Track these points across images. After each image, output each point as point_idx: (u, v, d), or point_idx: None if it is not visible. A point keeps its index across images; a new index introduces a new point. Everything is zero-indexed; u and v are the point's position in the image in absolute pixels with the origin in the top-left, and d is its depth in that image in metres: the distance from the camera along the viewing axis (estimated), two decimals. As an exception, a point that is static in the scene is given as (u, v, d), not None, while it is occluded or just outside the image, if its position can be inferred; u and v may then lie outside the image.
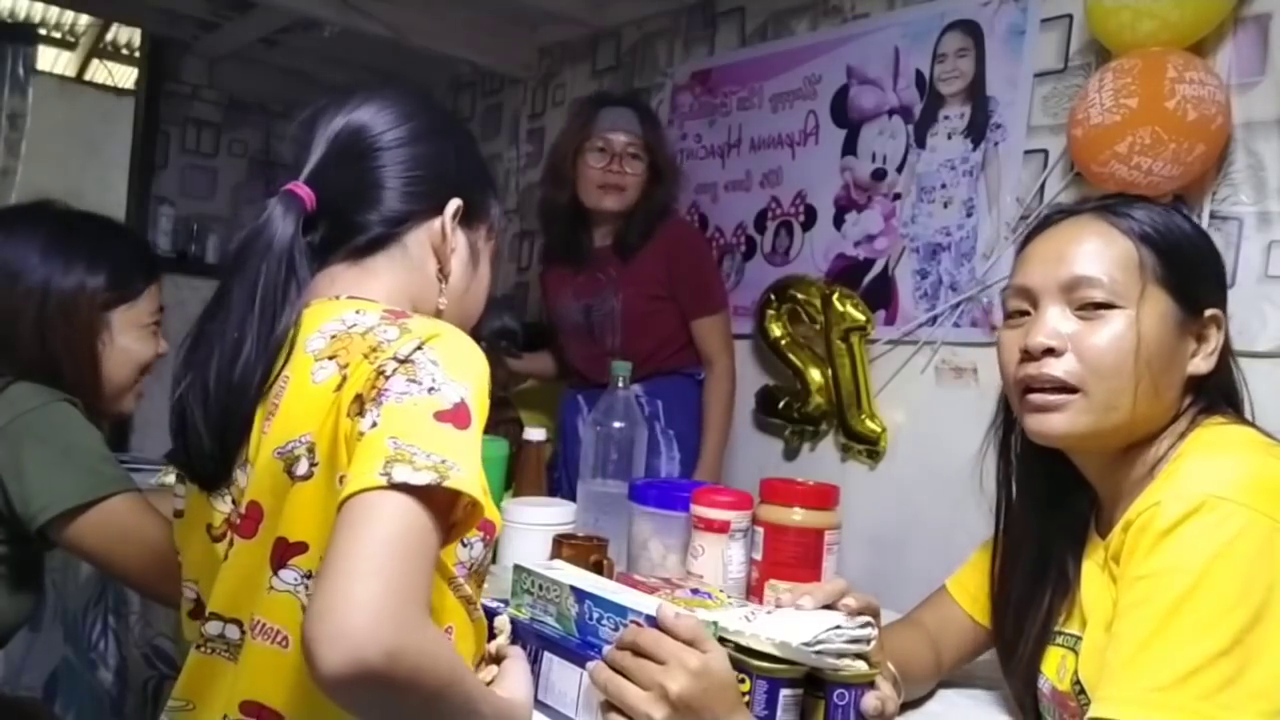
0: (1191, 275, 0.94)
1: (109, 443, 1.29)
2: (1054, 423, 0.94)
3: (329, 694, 0.69)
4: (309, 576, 0.80)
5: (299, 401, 0.83)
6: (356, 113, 0.95)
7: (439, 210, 0.97)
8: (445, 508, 0.75)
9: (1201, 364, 0.95)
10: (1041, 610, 1.02)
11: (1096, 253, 0.94)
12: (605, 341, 2.27)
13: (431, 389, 0.77)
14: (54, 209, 1.37)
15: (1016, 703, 1.08)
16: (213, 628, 0.87)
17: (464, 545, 0.85)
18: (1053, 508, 1.03)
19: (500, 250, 1.10)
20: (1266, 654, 0.77)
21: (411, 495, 0.72)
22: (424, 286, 0.97)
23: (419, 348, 0.80)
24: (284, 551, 0.81)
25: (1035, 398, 0.95)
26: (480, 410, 0.80)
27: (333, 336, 0.85)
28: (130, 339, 1.35)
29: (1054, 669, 0.99)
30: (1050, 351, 0.93)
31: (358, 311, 0.87)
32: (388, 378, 0.78)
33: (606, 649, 0.90)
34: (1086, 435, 0.94)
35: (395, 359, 0.79)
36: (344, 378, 0.82)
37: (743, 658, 0.94)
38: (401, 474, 0.71)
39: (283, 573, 0.81)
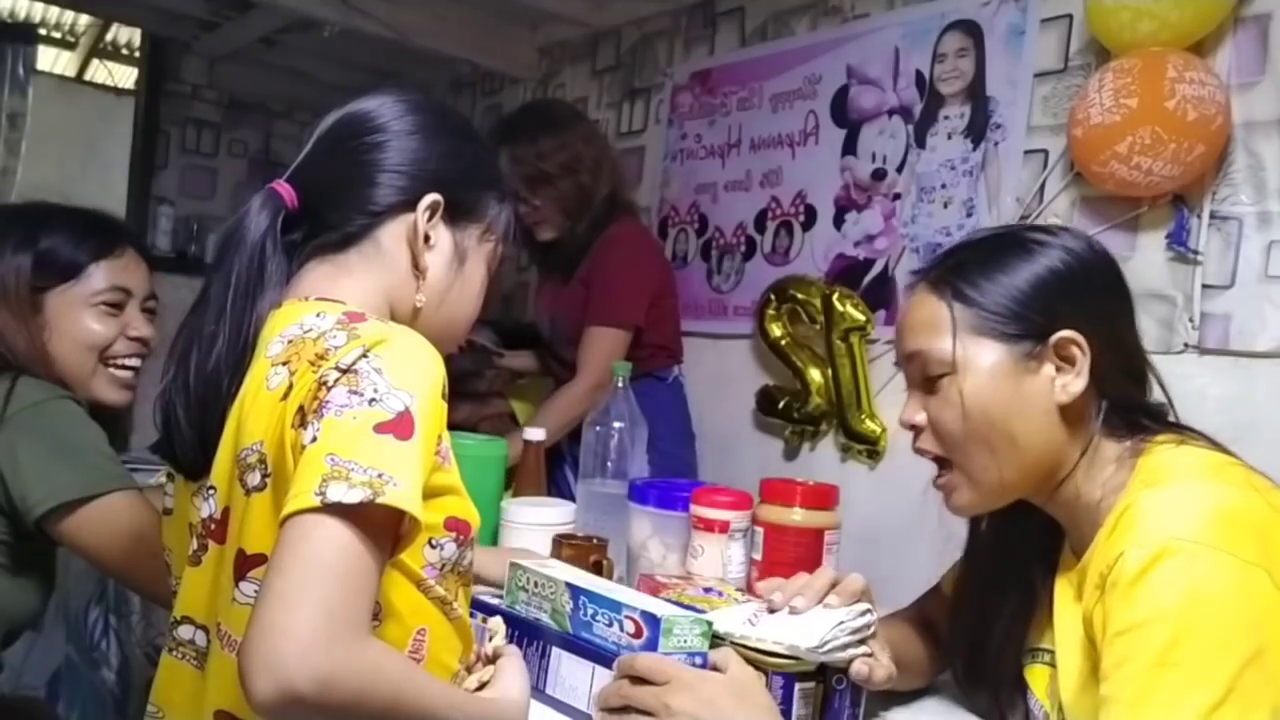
0: (1021, 308, 0.91)
1: (111, 443, 1.29)
2: (954, 502, 0.98)
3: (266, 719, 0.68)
4: None
5: (254, 407, 0.83)
6: (345, 110, 0.96)
7: (413, 201, 0.95)
8: (388, 521, 0.74)
9: (1070, 388, 0.91)
10: (1005, 622, 1.02)
11: (916, 326, 0.96)
12: (564, 354, 2.26)
13: (373, 400, 0.76)
14: (9, 205, 1.36)
15: (983, 714, 1.08)
16: (184, 632, 0.87)
17: (431, 546, 0.84)
18: (1019, 527, 1.02)
19: (502, 253, 1.08)
20: (1264, 699, 0.75)
21: (346, 515, 0.71)
22: (399, 283, 0.95)
23: (363, 355, 0.79)
24: (243, 564, 0.81)
25: (936, 479, 0.99)
26: (428, 418, 0.79)
27: (289, 341, 0.85)
28: (73, 320, 1.31)
29: (1043, 690, 0.99)
30: (915, 428, 0.97)
31: (318, 315, 0.86)
32: (329, 389, 0.77)
33: (608, 686, 0.92)
34: (983, 502, 0.97)
35: (337, 369, 0.78)
36: (291, 385, 0.81)
37: (758, 655, 0.96)
38: (336, 493, 0.70)
39: (243, 585, 0.81)
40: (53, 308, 1.30)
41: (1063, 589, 0.96)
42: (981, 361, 0.91)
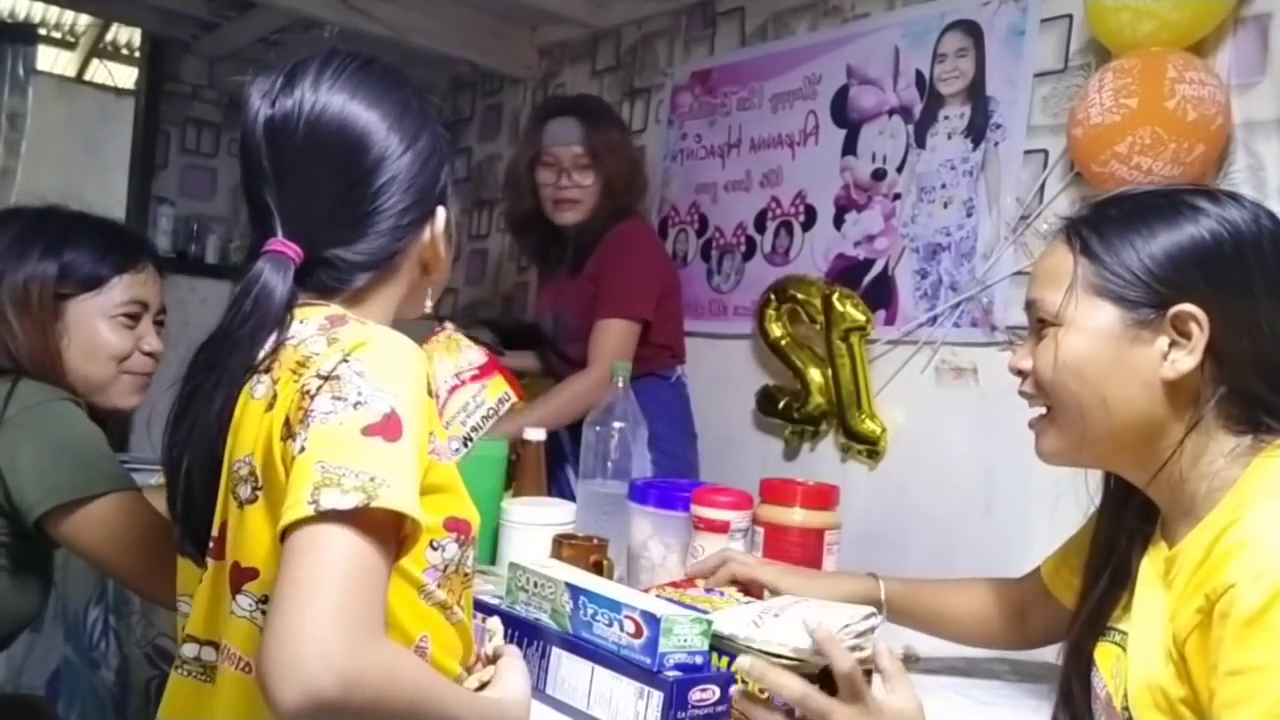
0: (1148, 275, 0.88)
1: (110, 442, 1.29)
2: (1040, 445, 0.97)
3: None
4: (263, 602, 0.79)
5: (243, 418, 0.83)
6: (312, 126, 0.88)
7: (426, 221, 0.95)
8: (387, 523, 0.73)
9: (1178, 365, 0.87)
10: (1094, 597, 1.00)
11: (1040, 273, 0.96)
12: (568, 351, 2.26)
13: (358, 403, 0.75)
14: (30, 209, 1.36)
15: (1061, 690, 1.04)
16: (188, 650, 0.87)
17: (433, 548, 0.84)
18: (1120, 506, 1.00)
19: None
20: None
21: (345, 520, 0.71)
22: (413, 294, 0.97)
23: (344, 360, 0.78)
24: (238, 577, 0.81)
25: (1031, 420, 0.98)
26: (416, 416, 0.78)
27: (271, 348, 0.85)
28: (90, 330, 1.32)
29: (1109, 670, 0.96)
30: (1022, 374, 0.97)
31: (301, 321, 0.86)
32: (313, 397, 0.76)
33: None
34: (1065, 453, 0.95)
35: (319, 376, 0.78)
36: (275, 395, 0.81)
37: (765, 655, 0.96)
38: (329, 500, 0.70)
39: (239, 598, 0.81)
40: (72, 315, 1.31)
41: (1147, 573, 0.94)
42: (1090, 321, 0.90)
